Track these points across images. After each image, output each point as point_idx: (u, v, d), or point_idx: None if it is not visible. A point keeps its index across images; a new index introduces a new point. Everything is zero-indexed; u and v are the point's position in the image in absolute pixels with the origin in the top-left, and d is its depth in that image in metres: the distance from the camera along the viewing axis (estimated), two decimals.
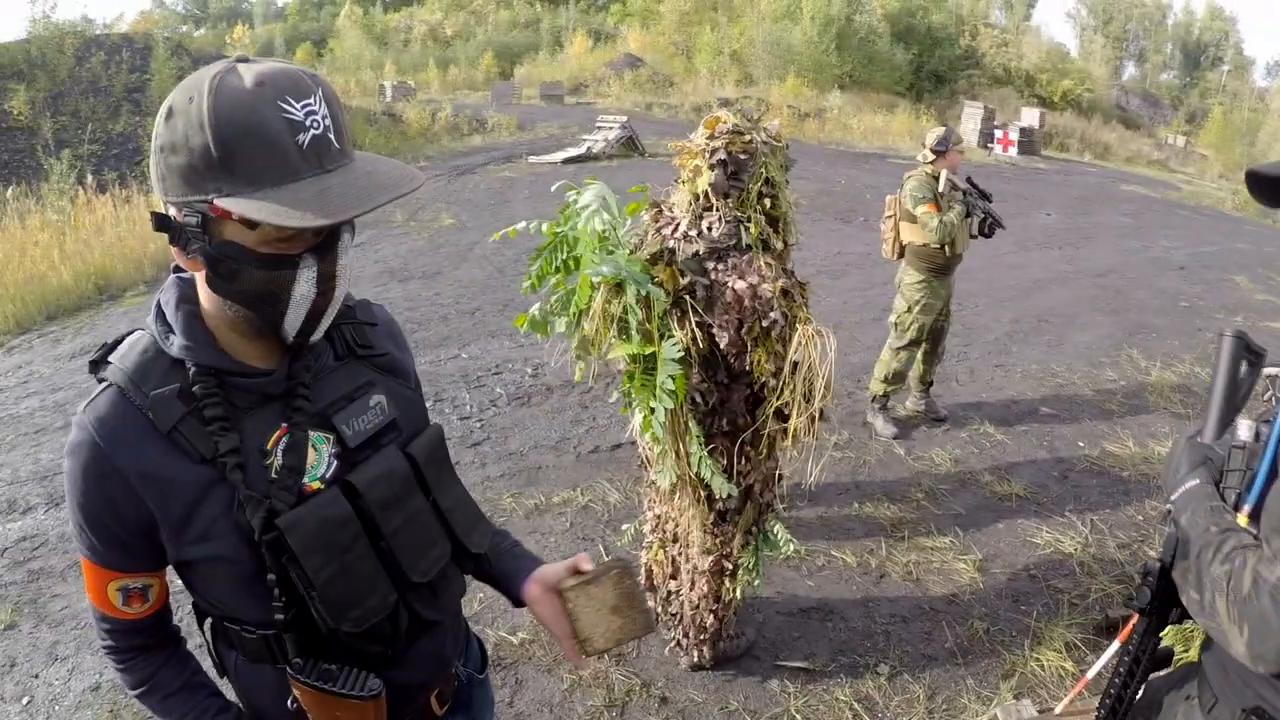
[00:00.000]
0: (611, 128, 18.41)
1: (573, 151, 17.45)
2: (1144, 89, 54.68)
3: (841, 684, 3.46)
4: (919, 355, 5.74)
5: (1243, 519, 1.45)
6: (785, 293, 2.64)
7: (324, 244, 1.13)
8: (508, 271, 8.97)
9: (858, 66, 35.65)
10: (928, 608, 4.04)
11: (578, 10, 54.68)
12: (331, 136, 1.08)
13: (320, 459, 1.23)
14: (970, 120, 26.66)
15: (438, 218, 12.26)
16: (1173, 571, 1.57)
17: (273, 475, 1.18)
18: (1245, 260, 14.59)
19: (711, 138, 2.71)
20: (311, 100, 1.06)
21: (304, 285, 1.13)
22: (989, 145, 25.96)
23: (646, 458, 3.17)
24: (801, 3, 35.43)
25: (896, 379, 5.62)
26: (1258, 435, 1.55)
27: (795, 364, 2.63)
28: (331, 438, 1.25)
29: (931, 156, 5.38)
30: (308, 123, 1.05)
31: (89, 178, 13.11)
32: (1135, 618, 1.75)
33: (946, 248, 5.33)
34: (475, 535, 1.43)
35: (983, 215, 5.46)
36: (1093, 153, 32.63)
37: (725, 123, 2.74)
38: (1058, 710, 3.25)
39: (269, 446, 1.20)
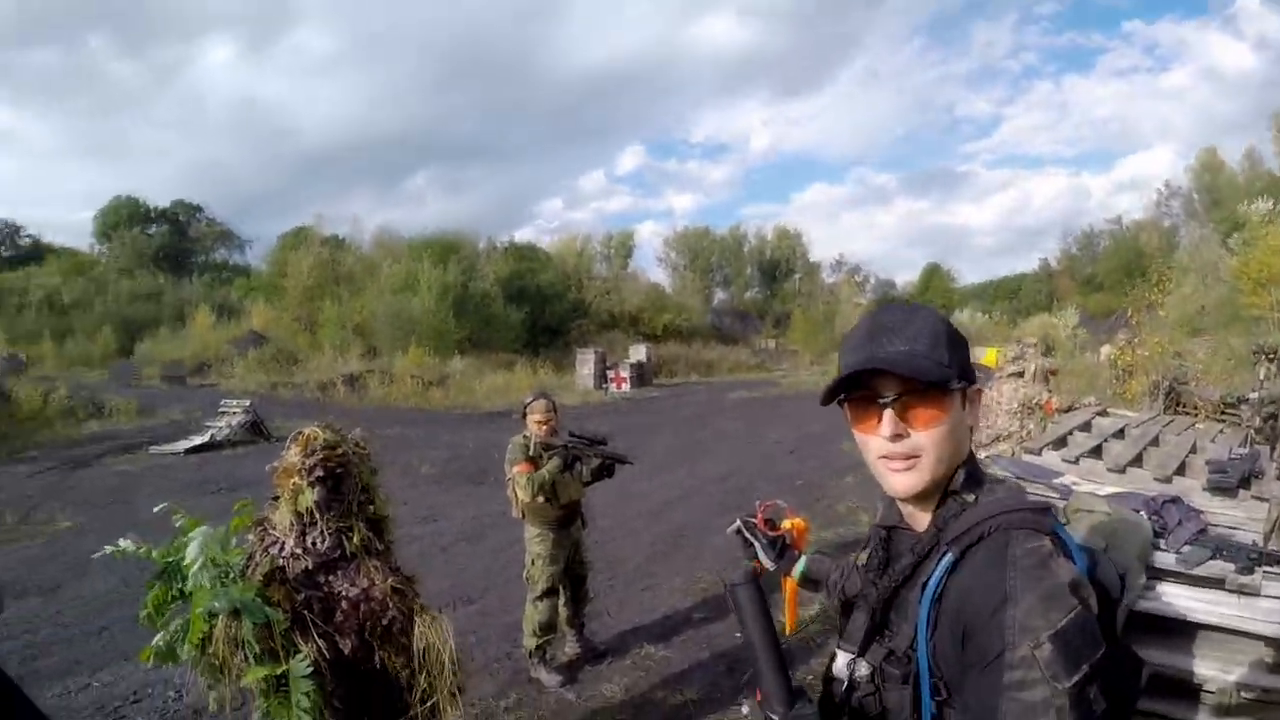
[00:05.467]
0: (235, 412, 18.07)
1: (196, 440, 16.79)
2: (734, 308, 63.25)
3: None
4: (561, 603, 5.87)
5: None
6: (396, 590, 2.77)
7: None
8: (134, 583, 7.93)
9: (476, 329, 37.49)
10: None
11: (201, 283, 53.63)
12: None
13: None
14: (585, 365, 28.87)
15: (53, 519, 11.11)
16: None
17: None
18: (847, 430, 16.71)
19: (308, 454, 2.81)
20: None
21: None
22: (604, 385, 27.90)
23: None
24: (419, 274, 37.05)
25: (546, 629, 5.66)
26: (854, 673, 1.54)
27: (422, 650, 2.74)
28: None
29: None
30: None
31: None
32: None
33: (553, 500, 5.57)
34: None
35: (599, 460, 5.77)
36: (698, 372, 36.17)
37: (318, 439, 2.85)
38: None
39: None
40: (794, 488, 11.55)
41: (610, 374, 28.69)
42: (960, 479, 1.49)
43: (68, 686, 6.03)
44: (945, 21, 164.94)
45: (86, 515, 11.46)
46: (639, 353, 32.71)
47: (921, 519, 1.53)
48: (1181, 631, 2.95)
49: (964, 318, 53.71)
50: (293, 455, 2.86)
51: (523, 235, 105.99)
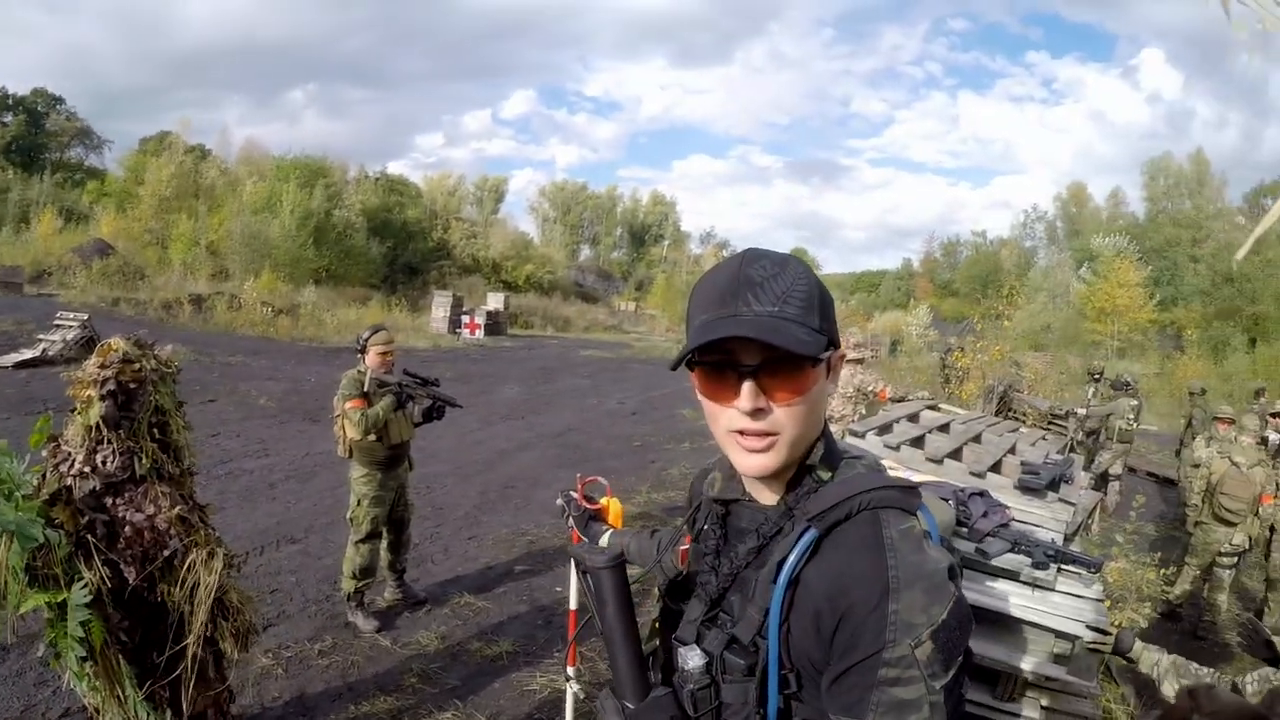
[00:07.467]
0: (71, 327, 16.89)
1: (27, 354, 15.61)
2: (598, 266, 64.14)
3: None
4: (383, 546, 5.82)
5: None
6: (183, 520, 2.65)
7: None
8: None
9: (334, 260, 36.84)
10: None
11: (52, 182, 49.61)
12: None
13: None
14: (440, 308, 28.79)
15: None
16: None
17: None
18: (690, 397, 16.94)
19: (103, 366, 2.66)
20: None
21: None
22: (458, 330, 27.85)
23: (93, 708, 2.84)
24: (282, 195, 35.94)
25: (365, 574, 5.60)
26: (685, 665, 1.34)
27: (191, 586, 2.63)
28: None
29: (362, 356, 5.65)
30: None
31: None
32: None
33: (383, 439, 5.52)
34: None
35: (430, 401, 5.75)
36: (555, 326, 36.63)
37: (116, 350, 2.70)
38: None
39: None
40: (631, 448, 11.79)
41: (464, 319, 28.50)
42: (819, 453, 1.35)
43: None
44: (859, 16, 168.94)
45: None
46: (496, 300, 32.44)
47: (769, 493, 1.38)
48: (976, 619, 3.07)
49: None
50: (91, 366, 2.70)
51: (396, 167, 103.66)
